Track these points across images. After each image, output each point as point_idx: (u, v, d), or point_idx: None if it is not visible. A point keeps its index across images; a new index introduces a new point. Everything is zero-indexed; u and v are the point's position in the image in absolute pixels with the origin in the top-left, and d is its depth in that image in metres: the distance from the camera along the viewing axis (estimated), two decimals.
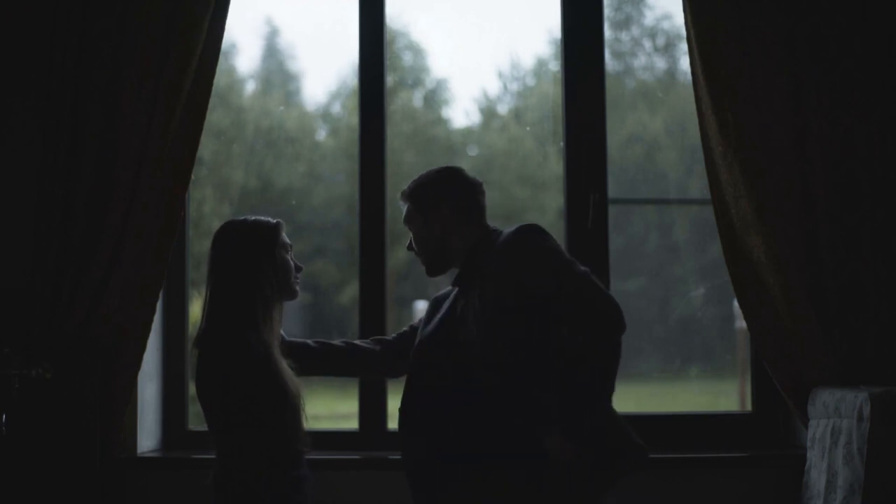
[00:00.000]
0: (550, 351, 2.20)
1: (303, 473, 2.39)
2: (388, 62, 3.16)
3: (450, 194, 2.43)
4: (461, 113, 3.51)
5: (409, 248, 2.51)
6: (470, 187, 2.46)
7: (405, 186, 2.50)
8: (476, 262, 2.38)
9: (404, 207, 2.49)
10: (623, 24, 3.40)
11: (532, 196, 3.50)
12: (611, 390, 2.23)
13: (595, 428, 2.18)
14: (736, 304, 2.88)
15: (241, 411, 2.27)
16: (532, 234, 2.30)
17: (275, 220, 2.44)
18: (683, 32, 2.88)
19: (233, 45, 3.41)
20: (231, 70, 3.45)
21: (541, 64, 3.48)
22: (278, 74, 3.52)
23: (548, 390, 2.18)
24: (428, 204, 2.43)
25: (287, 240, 2.46)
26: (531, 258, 2.26)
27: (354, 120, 3.19)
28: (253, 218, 2.44)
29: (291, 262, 2.45)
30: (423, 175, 2.49)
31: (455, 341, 2.32)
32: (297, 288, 2.47)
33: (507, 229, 2.38)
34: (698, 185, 3.26)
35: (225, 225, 2.44)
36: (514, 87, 3.52)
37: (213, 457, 2.36)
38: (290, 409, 2.34)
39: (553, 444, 2.15)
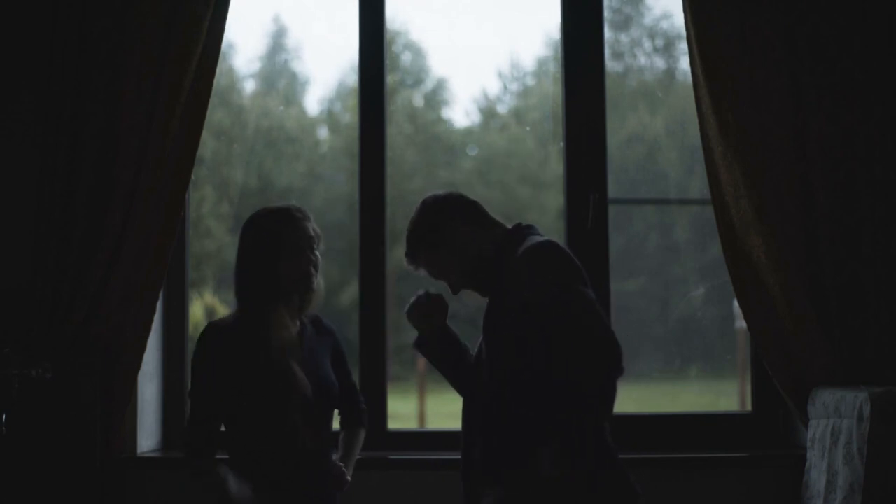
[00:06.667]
0: (544, 362, 2.10)
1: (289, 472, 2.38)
2: (388, 62, 3.16)
3: (452, 211, 2.31)
4: (461, 113, 3.52)
5: (453, 290, 2.37)
6: (457, 197, 2.35)
7: (407, 248, 2.35)
8: (499, 267, 2.27)
9: (417, 263, 2.35)
10: (623, 24, 3.40)
11: (532, 196, 3.50)
12: (600, 416, 2.12)
13: (585, 455, 2.09)
14: (736, 304, 2.88)
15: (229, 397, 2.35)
16: (549, 249, 2.17)
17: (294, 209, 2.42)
18: (683, 32, 2.88)
19: (233, 45, 3.42)
20: (231, 70, 3.46)
21: (541, 64, 3.48)
22: (279, 74, 3.52)
23: (540, 401, 2.11)
24: (441, 231, 2.29)
25: (313, 231, 2.42)
26: (542, 269, 2.14)
27: (354, 120, 3.19)
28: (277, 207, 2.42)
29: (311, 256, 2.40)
30: (413, 221, 2.35)
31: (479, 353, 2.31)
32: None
33: (535, 238, 2.24)
34: (698, 185, 3.26)
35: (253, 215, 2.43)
36: (514, 87, 3.52)
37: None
38: (271, 407, 2.35)
39: (538, 457, 2.08)
